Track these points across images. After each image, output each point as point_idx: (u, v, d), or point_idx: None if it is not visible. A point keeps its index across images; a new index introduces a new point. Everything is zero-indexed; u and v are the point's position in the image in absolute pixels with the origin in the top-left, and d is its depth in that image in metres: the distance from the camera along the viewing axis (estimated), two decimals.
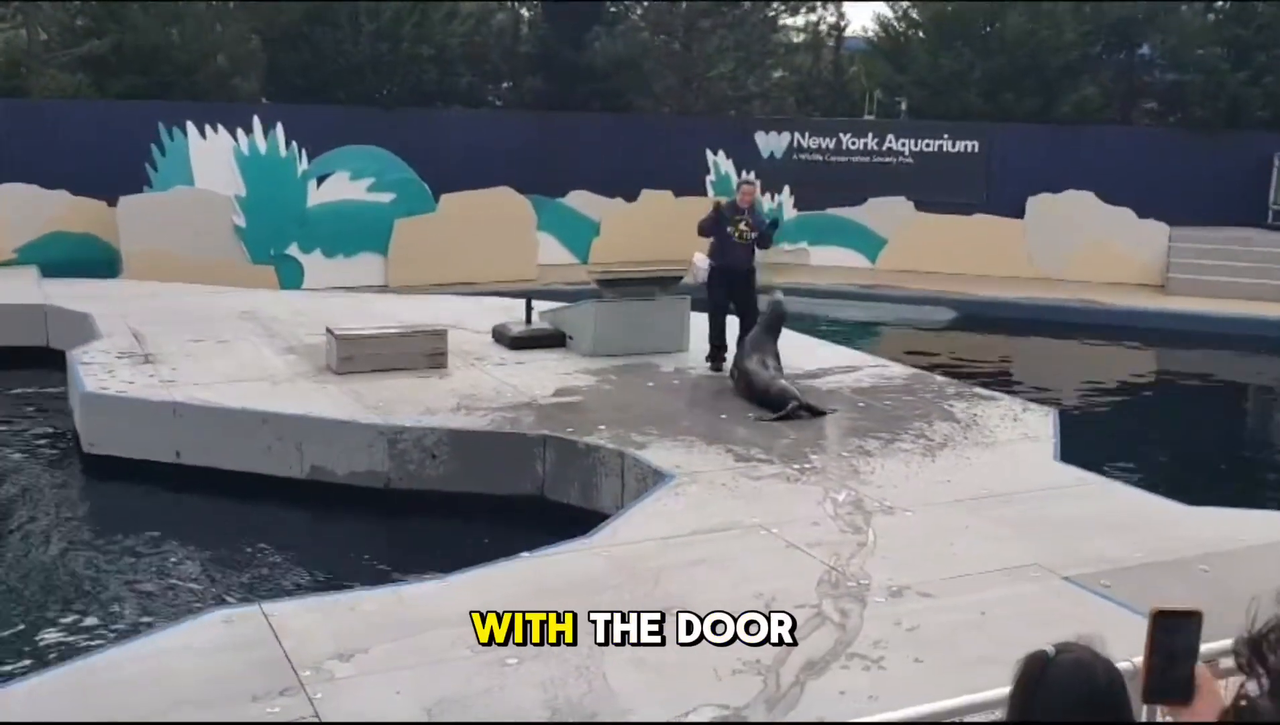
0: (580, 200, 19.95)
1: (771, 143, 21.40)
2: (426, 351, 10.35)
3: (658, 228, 19.71)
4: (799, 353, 11.49)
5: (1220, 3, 21.10)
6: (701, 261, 10.70)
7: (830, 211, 20.81)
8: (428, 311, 12.76)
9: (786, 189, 20.96)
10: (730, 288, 10.67)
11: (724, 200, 11.26)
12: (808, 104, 24.48)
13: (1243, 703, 0.87)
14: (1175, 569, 6.04)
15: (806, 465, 7.71)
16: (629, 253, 18.27)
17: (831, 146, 21.31)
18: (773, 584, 5.65)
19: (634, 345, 11.06)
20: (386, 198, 17.17)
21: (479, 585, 5.76)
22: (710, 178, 21.15)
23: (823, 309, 17.69)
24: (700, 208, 20.56)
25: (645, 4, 23.38)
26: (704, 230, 10.76)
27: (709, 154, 21.08)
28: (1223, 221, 19.29)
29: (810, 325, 14.10)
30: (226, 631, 5.19)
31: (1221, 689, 1.34)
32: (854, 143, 21.27)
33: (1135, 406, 13.60)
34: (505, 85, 23.36)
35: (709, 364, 10.72)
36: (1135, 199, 19.01)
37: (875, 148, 21.15)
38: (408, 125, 19.02)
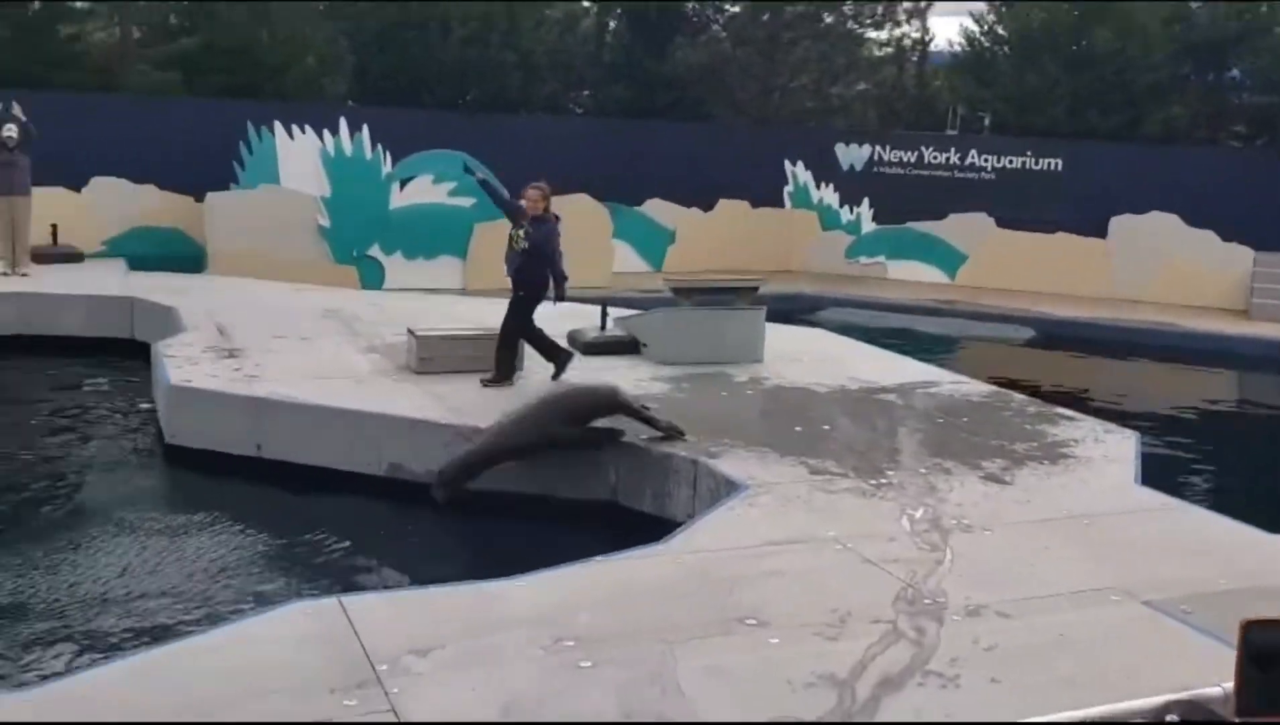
0: (657, 208, 20.00)
1: (852, 155, 21.28)
2: None
3: (734, 237, 19.75)
4: (877, 367, 11.43)
5: None
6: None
7: (910, 225, 20.66)
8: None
9: (866, 201, 20.87)
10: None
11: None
12: (890, 117, 24.33)
13: None
14: (1259, 596, 5.88)
15: (883, 480, 7.65)
16: (704, 262, 18.29)
17: (913, 160, 21.14)
18: (848, 598, 5.61)
19: (708, 354, 11.04)
20: (467, 202, 17.35)
21: (554, 586, 5.79)
22: (788, 189, 21.10)
23: (900, 324, 17.56)
24: (778, 219, 20.67)
25: (728, 13, 23.37)
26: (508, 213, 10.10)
27: (787, 165, 21.05)
28: None
29: (888, 340, 13.98)
30: (306, 624, 5.25)
31: None
32: (936, 157, 21.09)
33: (1217, 432, 13.30)
34: (586, 93, 23.51)
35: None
36: (1220, 222, 18.62)
37: (957, 162, 20.95)
38: (489, 131, 19.19)
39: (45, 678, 5.49)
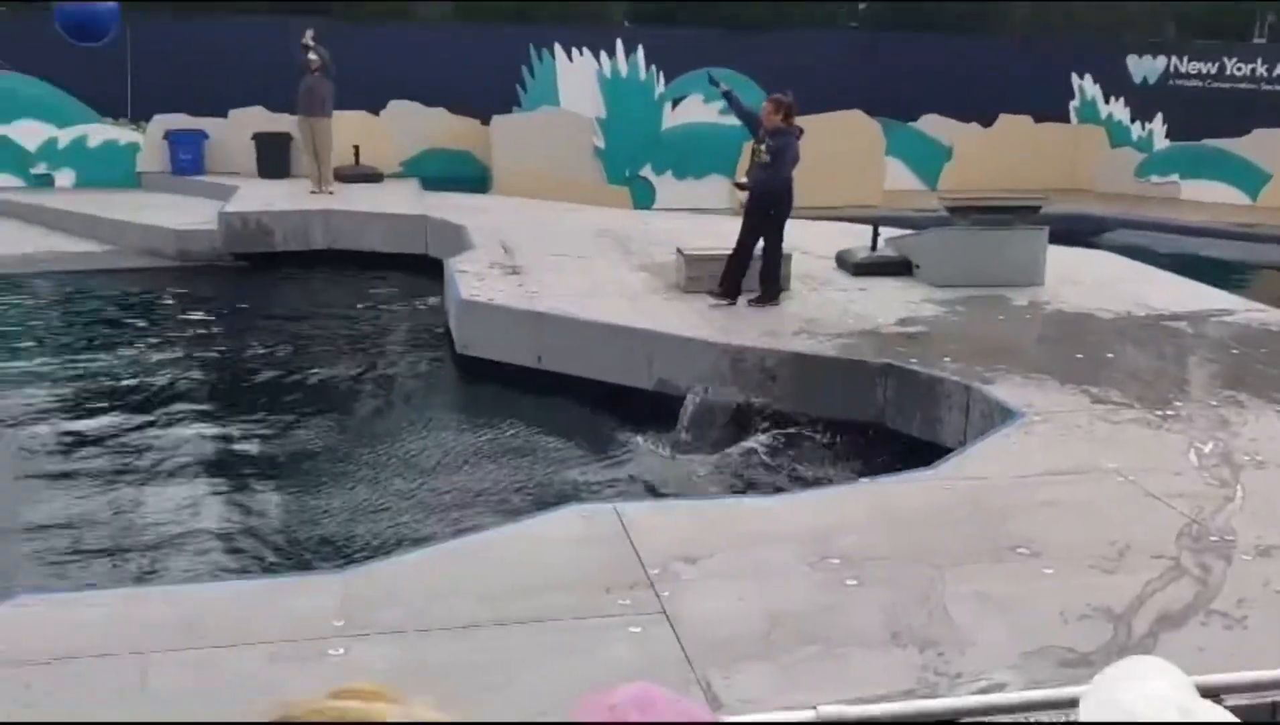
0: (932, 124, 19.40)
1: (1145, 67, 19.93)
2: None
3: (1014, 154, 18.94)
4: (1166, 293, 10.82)
5: None
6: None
7: (1207, 142, 19.23)
8: None
9: (1159, 117, 19.55)
10: (752, 216, 9.82)
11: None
12: (1188, 26, 22.60)
13: None
14: None
15: (1170, 412, 7.29)
16: (982, 180, 17.62)
17: (1213, 72, 19.60)
18: (1128, 532, 5.44)
19: (984, 276, 10.70)
20: (736, 122, 17.31)
21: (821, 505, 5.87)
22: (1075, 103, 20.03)
23: (1194, 247, 16.47)
24: (1063, 135, 19.68)
25: None
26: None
27: (1074, 78, 19.96)
28: None
29: (1179, 265, 13.15)
30: (584, 526, 5.55)
31: None
32: (1239, 69, 19.48)
33: None
34: (862, 6, 22.95)
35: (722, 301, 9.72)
36: None
37: (1264, 74, 19.28)
38: (759, 48, 19.00)
39: (359, 559, 6.06)
